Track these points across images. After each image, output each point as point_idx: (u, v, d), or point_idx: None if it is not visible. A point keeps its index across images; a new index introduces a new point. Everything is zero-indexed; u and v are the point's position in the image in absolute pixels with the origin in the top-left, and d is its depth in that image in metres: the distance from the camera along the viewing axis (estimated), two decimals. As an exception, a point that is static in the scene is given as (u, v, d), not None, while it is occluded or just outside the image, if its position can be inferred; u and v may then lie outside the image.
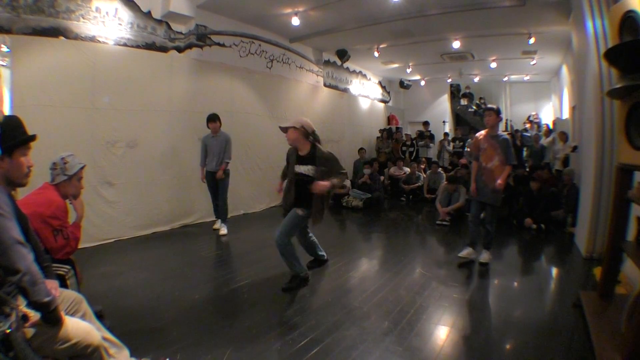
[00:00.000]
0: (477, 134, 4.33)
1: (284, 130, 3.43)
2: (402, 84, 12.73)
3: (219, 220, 5.54)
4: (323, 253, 4.10)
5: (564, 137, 8.07)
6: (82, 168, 2.41)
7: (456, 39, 7.60)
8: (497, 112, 4.13)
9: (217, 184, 5.33)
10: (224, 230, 5.40)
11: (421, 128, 12.06)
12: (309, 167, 3.42)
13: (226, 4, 5.90)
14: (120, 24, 4.90)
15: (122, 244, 4.83)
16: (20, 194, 2.30)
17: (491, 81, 13.54)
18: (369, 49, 8.61)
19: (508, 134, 11.15)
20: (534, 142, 9.07)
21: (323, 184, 3.29)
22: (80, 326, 1.70)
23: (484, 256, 4.23)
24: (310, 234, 3.96)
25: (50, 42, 4.26)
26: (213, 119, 5.24)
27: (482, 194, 4.14)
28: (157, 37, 5.37)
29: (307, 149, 3.46)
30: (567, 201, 5.85)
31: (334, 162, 3.46)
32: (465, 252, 4.30)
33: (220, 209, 5.47)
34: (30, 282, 1.45)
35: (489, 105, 4.35)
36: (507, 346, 2.60)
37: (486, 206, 4.18)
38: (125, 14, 4.96)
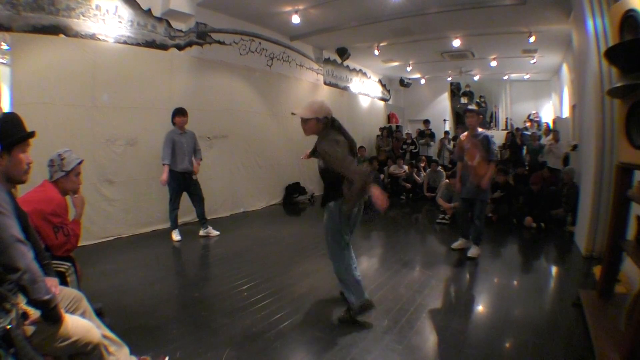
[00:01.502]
0: (461, 136, 4.61)
1: (302, 120, 2.76)
2: (402, 82, 12.71)
3: (203, 225, 5.19)
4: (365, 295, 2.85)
5: (556, 135, 8.13)
6: (79, 163, 2.40)
7: (456, 38, 7.59)
8: (478, 113, 4.49)
9: (189, 185, 4.93)
10: (215, 232, 5.20)
11: (421, 126, 12.05)
12: (318, 158, 2.81)
13: (226, 1, 5.89)
14: (120, 22, 4.89)
15: (121, 242, 4.83)
16: (20, 191, 2.30)
17: (491, 80, 13.52)
18: (369, 47, 8.59)
19: (508, 132, 11.24)
20: (531, 140, 9.08)
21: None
22: (80, 324, 1.70)
23: (472, 250, 4.42)
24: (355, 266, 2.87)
25: (51, 39, 4.25)
26: (184, 112, 4.81)
27: (469, 191, 4.40)
28: (157, 34, 5.37)
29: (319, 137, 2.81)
30: (567, 200, 5.85)
31: (329, 156, 2.58)
32: (457, 243, 4.68)
33: (202, 212, 5.11)
34: (30, 280, 1.45)
35: (470, 107, 4.55)
36: (507, 345, 2.60)
37: (475, 202, 4.41)
38: (126, 12, 4.95)
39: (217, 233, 5.22)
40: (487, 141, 4.21)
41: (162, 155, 4.69)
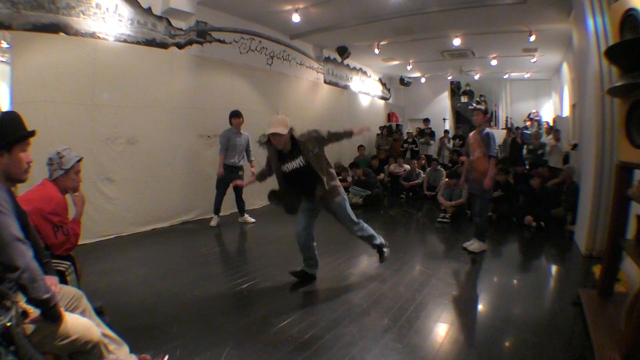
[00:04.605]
0: (470, 133, 4.69)
1: (275, 136, 3.14)
2: (402, 81, 12.71)
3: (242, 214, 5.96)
4: (315, 270, 3.65)
5: (556, 134, 8.17)
6: (78, 161, 2.38)
7: (456, 37, 7.59)
8: (485, 112, 4.54)
9: (233, 178, 5.40)
10: (251, 219, 5.94)
11: (421, 125, 12.05)
12: (298, 159, 3.25)
13: (227, 0, 5.89)
14: (120, 20, 4.89)
15: (122, 241, 4.83)
16: (20, 190, 2.30)
17: (492, 78, 13.52)
18: (370, 46, 8.59)
19: (508, 131, 11.25)
20: (534, 139, 9.09)
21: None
22: (80, 322, 1.70)
23: (474, 245, 4.48)
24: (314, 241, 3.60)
25: (51, 38, 4.25)
26: (240, 114, 5.52)
27: (471, 186, 4.54)
28: (158, 33, 5.36)
29: (289, 145, 3.24)
30: (567, 199, 5.85)
31: (317, 137, 3.30)
32: (469, 242, 4.59)
33: (243, 204, 5.88)
34: (29, 279, 1.45)
35: (477, 106, 4.55)
36: (507, 344, 2.60)
37: (476, 198, 4.50)
38: (126, 10, 4.95)
39: (253, 220, 5.95)
40: (487, 137, 4.31)
41: (220, 150, 5.48)
